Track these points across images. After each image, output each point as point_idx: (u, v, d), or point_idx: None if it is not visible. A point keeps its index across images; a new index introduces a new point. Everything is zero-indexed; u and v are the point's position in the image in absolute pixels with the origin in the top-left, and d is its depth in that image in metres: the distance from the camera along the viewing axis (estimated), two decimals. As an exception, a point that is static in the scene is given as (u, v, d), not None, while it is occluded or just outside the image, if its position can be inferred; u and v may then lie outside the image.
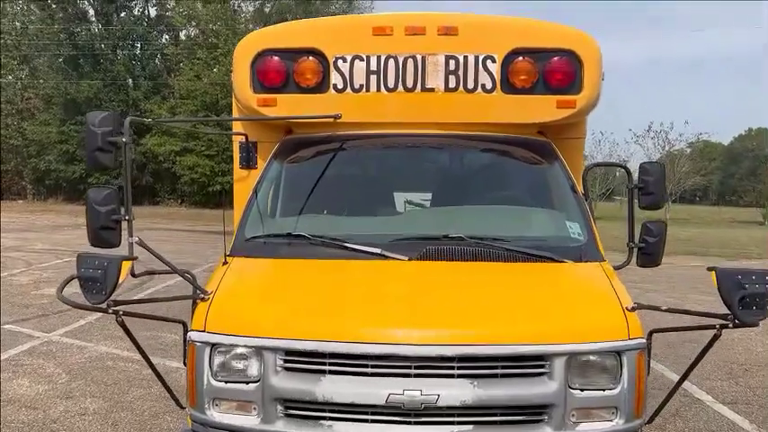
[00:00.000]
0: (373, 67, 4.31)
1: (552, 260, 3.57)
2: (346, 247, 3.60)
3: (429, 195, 4.56)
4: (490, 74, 4.30)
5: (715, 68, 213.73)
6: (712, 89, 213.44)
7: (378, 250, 3.53)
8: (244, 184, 4.75)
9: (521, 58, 4.30)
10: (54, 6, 47.15)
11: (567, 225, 3.92)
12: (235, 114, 4.87)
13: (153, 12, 50.01)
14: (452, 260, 3.51)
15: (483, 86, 4.31)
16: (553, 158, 4.42)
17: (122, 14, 48.67)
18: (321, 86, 4.37)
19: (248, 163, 4.83)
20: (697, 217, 58.83)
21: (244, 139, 4.79)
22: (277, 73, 4.39)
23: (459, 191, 4.44)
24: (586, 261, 3.64)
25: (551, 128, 4.55)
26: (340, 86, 4.35)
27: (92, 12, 48.55)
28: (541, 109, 4.35)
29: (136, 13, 49.91)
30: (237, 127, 4.86)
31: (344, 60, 4.32)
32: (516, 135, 4.45)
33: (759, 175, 74.55)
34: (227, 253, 3.80)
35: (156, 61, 49.16)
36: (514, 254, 3.55)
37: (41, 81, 46.97)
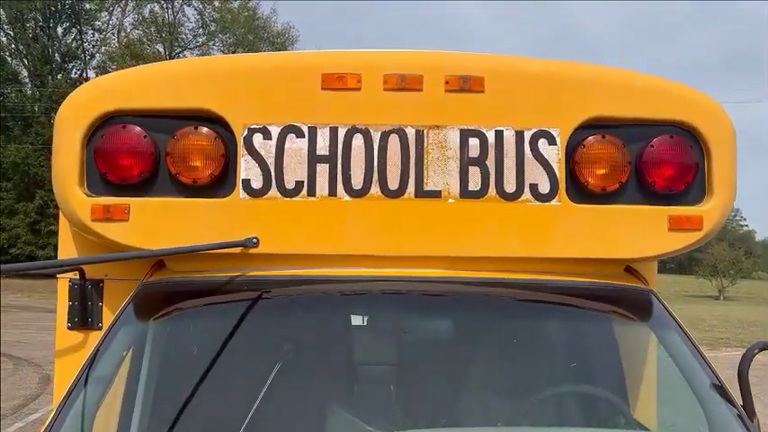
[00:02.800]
0: (322, 149, 2.23)
1: None
2: None
3: (429, 393, 2.38)
4: (546, 165, 2.26)
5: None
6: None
7: None
8: (73, 359, 2.49)
9: (600, 136, 2.29)
10: (-17, 66, 44.33)
11: None
12: (62, 231, 2.65)
13: (92, 75, 47.71)
14: None
15: (533, 190, 2.26)
16: (668, 327, 2.34)
17: (58, 76, 46.14)
18: (220, 184, 2.26)
19: (84, 320, 2.57)
20: (650, 290, 58.10)
21: (77, 277, 2.55)
22: (136, 156, 2.25)
23: (485, 395, 2.30)
24: None
25: None
26: (257, 185, 2.23)
27: (25, 73, 45.95)
28: (641, 233, 2.31)
29: (73, 75, 47.51)
30: (69, 253, 2.63)
31: (266, 135, 2.23)
32: (595, 281, 2.37)
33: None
34: None
35: (94, 126, 46.53)
36: None
37: (-36, 144, 43.55)
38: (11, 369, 13.02)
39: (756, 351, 2.13)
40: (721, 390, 2.12)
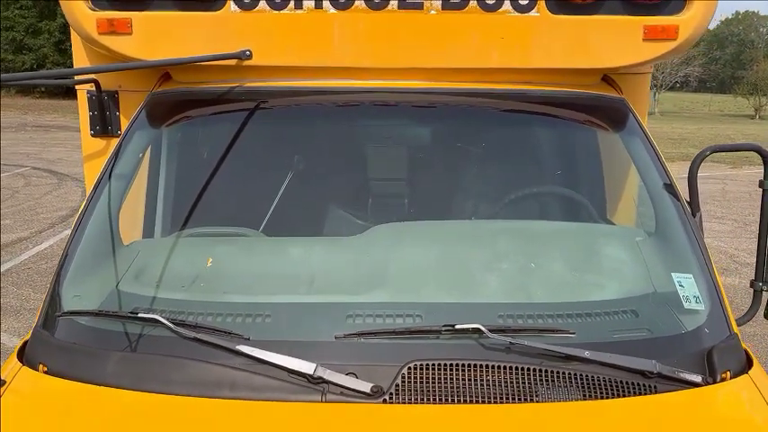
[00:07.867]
0: None
1: (664, 380, 1.73)
2: (246, 356, 1.75)
3: (408, 199, 2.65)
4: None
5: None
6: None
7: (307, 367, 1.69)
8: (98, 162, 2.80)
9: None
10: None
11: (675, 279, 2.08)
12: (75, 46, 2.83)
13: None
14: (463, 402, 1.68)
15: (513, 0, 2.33)
16: (633, 133, 2.51)
17: None
18: None
19: (105, 127, 2.85)
20: (685, 109, 56.68)
21: (94, 89, 2.78)
22: None
23: (465, 195, 2.56)
24: (725, 376, 1.81)
25: None
26: (247, -1, 2.35)
27: None
28: (616, 43, 2.41)
29: None
30: (82, 64, 2.83)
31: None
32: (570, 90, 2.51)
33: (742, 61, 71.69)
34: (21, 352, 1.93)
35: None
36: (591, 372, 1.72)
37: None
38: (55, 183, 13.91)
39: (708, 152, 2.32)
40: (671, 188, 2.34)
